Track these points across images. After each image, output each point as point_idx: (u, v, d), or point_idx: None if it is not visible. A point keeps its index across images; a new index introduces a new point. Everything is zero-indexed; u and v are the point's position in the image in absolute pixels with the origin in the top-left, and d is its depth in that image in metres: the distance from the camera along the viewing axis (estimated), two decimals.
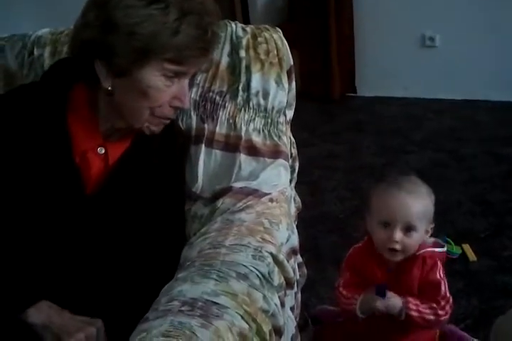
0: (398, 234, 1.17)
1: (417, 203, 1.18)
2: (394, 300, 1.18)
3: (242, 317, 0.82)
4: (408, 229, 1.18)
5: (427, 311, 1.19)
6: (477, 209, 2.17)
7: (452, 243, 1.89)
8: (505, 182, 2.38)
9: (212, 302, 0.82)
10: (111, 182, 1.03)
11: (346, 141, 2.98)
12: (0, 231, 0.97)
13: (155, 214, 1.07)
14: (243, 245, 0.97)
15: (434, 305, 1.18)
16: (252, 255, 0.95)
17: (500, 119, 3.06)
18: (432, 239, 1.30)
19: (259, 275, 0.92)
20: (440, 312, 1.20)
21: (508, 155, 2.62)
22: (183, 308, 0.81)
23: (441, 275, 1.21)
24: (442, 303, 1.19)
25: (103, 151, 1.03)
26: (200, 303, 0.82)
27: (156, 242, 1.06)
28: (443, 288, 1.20)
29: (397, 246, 1.18)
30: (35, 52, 1.28)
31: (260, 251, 0.96)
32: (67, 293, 0.97)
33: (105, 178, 1.03)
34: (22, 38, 1.32)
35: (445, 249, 1.30)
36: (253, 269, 0.92)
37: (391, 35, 3.42)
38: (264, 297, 0.89)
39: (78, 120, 1.02)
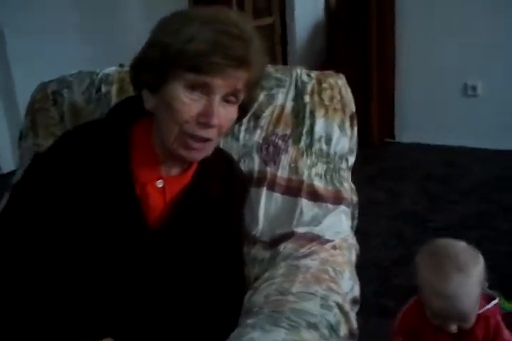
0: (453, 327, 1.13)
1: (469, 293, 1.11)
2: None
3: None
4: (463, 318, 1.14)
5: None
6: None
7: (504, 298, 1.81)
8: None
9: None
10: (172, 216, 1.02)
11: (387, 187, 2.95)
12: (64, 264, 0.97)
13: (214, 253, 1.06)
14: (310, 293, 0.95)
15: None
16: (321, 304, 0.93)
17: None
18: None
19: (328, 325, 0.90)
20: None
21: None
22: None
23: (508, 334, 1.16)
24: None
25: (161, 185, 1.03)
26: None
27: (215, 281, 1.04)
28: None
29: (454, 330, 1.15)
30: (103, 89, 1.31)
31: (327, 301, 0.94)
32: (129, 329, 0.96)
33: (165, 212, 1.02)
34: (89, 75, 1.35)
35: (497, 300, 1.24)
36: (322, 319, 0.90)
37: (432, 82, 3.44)
38: None
39: (139, 153, 1.03)
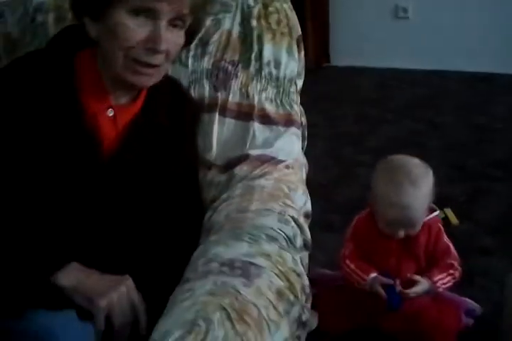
0: (401, 233, 1.25)
1: (420, 203, 1.22)
2: (423, 287, 1.24)
3: (278, 277, 0.87)
4: (412, 225, 1.25)
5: (449, 279, 1.28)
6: (454, 174, 2.27)
7: (436, 207, 1.96)
8: (478, 147, 2.49)
9: (250, 262, 0.87)
10: (124, 145, 1.03)
11: (323, 110, 3.02)
12: (18, 198, 0.97)
13: (170, 178, 1.08)
14: (268, 209, 1.01)
15: (452, 271, 1.27)
16: (278, 219, 0.99)
17: (469, 88, 3.16)
18: None
19: (286, 237, 0.97)
20: (457, 274, 1.29)
21: (480, 122, 2.74)
22: (223, 269, 0.85)
23: (447, 239, 1.29)
24: (455, 265, 1.27)
25: (112, 113, 1.02)
26: (238, 264, 0.86)
27: (172, 206, 1.07)
28: (452, 249, 1.28)
29: (401, 236, 1.26)
30: (39, 18, 1.26)
31: (284, 215, 1.01)
32: (93, 254, 0.98)
33: (117, 141, 1.03)
34: (23, 3, 1.29)
35: (438, 211, 1.37)
36: (280, 232, 0.97)
37: (365, 5, 3.45)
38: (293, 258, 0.94)
39: (86, 83, 1.02)
